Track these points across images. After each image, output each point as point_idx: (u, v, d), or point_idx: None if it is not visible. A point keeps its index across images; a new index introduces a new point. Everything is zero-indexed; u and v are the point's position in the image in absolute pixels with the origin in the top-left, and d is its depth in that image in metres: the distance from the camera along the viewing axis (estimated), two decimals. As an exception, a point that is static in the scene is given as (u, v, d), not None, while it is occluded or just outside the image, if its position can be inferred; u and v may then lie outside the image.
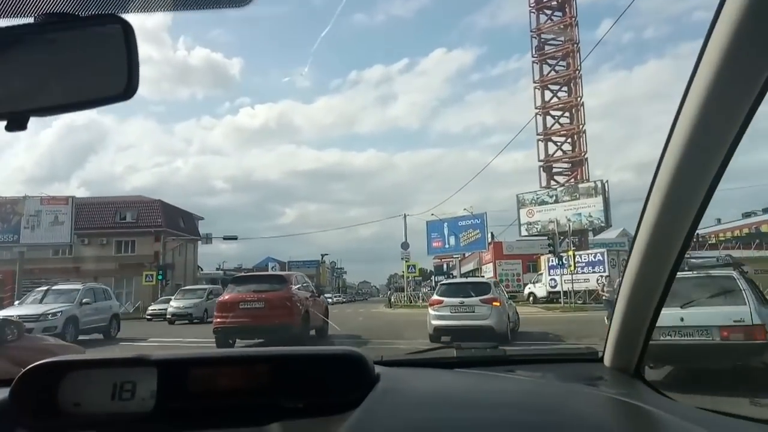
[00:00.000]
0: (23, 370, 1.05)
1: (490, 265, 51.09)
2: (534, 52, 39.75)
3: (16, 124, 0.77)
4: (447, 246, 43.93)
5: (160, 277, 39.89)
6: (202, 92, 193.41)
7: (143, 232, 45.62)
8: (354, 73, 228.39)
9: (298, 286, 13.09)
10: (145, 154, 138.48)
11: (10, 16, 0.77)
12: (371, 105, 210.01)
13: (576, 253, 28.62)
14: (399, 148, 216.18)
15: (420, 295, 40.06)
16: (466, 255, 63.83)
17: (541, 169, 40.10)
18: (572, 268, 27.54)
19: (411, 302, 39.14)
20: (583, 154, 38.78)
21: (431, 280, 79.72)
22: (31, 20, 0.76)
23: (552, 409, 1.03)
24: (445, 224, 43.84)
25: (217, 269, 71.36)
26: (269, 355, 1.16)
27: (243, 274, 19.90)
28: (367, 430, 0.88)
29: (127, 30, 0.77)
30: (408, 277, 41.06)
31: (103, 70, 0.80)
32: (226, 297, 12.51)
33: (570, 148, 39.61)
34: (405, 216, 39.63)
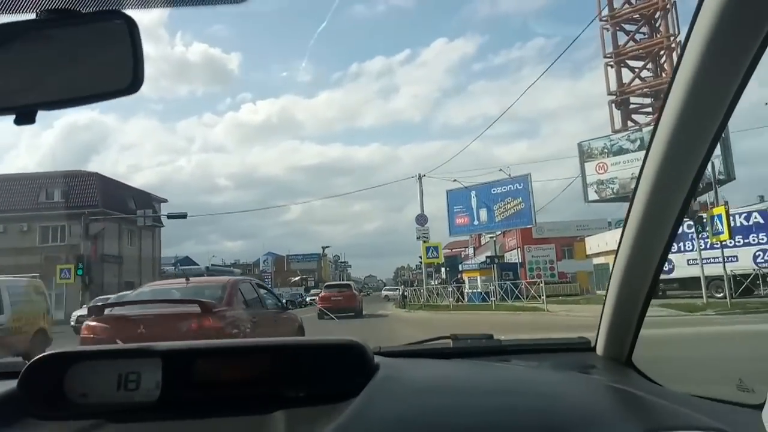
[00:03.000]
0: (30, 361, 1.05)
1: (515, 252, 39.07)
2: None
3: (25, 117, 0.78)
4: (476, 222, 31.42)
5: (79, 272, 27.66)
6: (201, 89, 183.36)
7: (75, 215, 33.07)
8: (355, 66, 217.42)
9: (356, 288, 26.43)
10: (147, 153, 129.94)
11: (12, 12, 0.77)
12: (373, 98, 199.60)
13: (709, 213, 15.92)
14: (402, 141, 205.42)
15: (450, 291, 26.76)
16: (482, 241, 51.67)
17: (613, 105, 27.46)
18: (725, 236, 14.92)
19: (432, 300, 26.58)
20: (677, 78, 26.12)
21: (441, 273, 67.99)
22: (33, 16, 0.76)
23: (546, 394, 1.04)
24: (473, 193, 31.33)
25: (207, 267, 60.23)
26: (271, 345, 1.18)
27: (330, 282, 30.62)
28: (367, 417, 0.88)
29: (131, 25, 0.78)
30: (428, 265, 28.27)
31: (109, 65, 0.81)
32: (324, 294, 24.36)
33: (652, 74, 26.89)
34: (420, 177, 26.99)
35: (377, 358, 1.11)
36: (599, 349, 1.41)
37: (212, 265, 65.19)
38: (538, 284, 22.43)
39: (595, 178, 27.54)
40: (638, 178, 1.06)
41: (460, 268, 35.62)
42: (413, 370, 1.18)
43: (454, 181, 30.80)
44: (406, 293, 29.28)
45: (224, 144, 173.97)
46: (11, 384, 1.03)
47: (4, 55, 0.78)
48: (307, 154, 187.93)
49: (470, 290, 28.63)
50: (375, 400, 0.94)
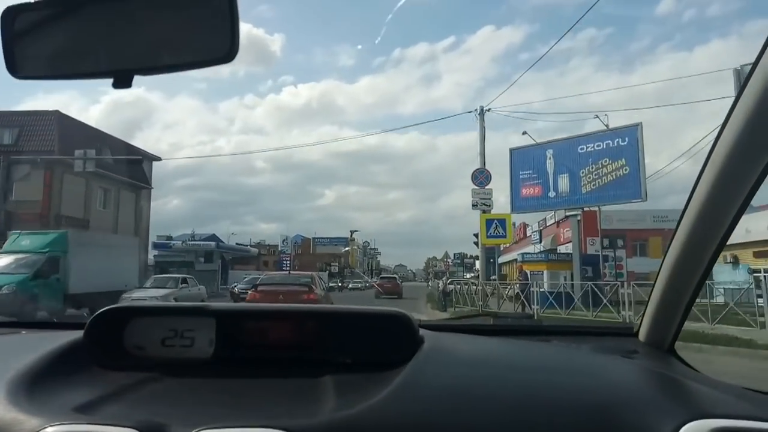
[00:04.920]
0: (95, 314, 1.09)
1: (573, 245, 29.42)
2: None
3: (122, 81, 0.78)
4: (552, 194, 21.67)
5: (-11, 233, 19.19)
6: (243, 69, 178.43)
7: (27, 162, 24.65)
8: (398, 51, 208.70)
9: (400, 279, 45.49)
10: (189, 132, 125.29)
11: None
12: (415, 85, 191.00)
13: None
14: (441, 131, 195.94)
15: (530, 292, 16.37)
16: (531, 232, 41.61)
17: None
18: None
19: (488, 304, 16.88)
20: None
21: (474, 269, 58.06)
22: None
23: (588, 373, 1.03)
24: (549, 152, 21.69)
25: (217, 244, 52.52)
26: (318, 311, 1.19)
27: (384, 275, 45.24)
28: (417, 386, 0.90)
29: None
30: (483, 246, 18.39)
31: (207, 33, 0.80)
32: (379, 281, 38.56)
33: None
34: (482, 111, 17.34)
35: (421, 331, 1.10)
36: (642, 335, 1.39)
37: (237, 243, 60.92)
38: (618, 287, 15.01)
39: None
40: (705, 162, 1.01)
41: (519, 259, 25.93)
42: (457, 343, 1.18)
43: (524, 134, 21.15)
44: (448, 289, 19.68)
45: (264, 126, 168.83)
46: (79, 334, 1.07)
47: (102, 21, 0.79)
48: (346, 139, 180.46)
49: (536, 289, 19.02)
50: (424, 369, 0.94)
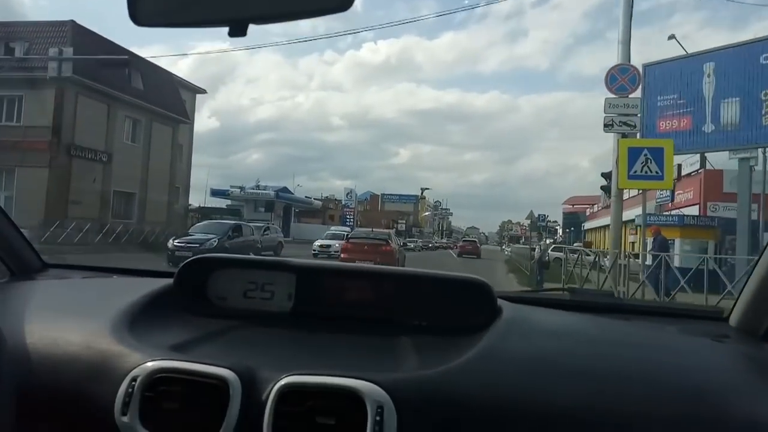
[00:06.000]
0: (182, 264, 1.14)
1: (692, 210, 22.62)
2: None
3: (238, 30, 0.77)
4: (710, 128, 14.58)
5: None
6: (323, 24, 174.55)
7: (37, 80, 20.33)
8: (482, 6, 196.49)
9: (478, 241, 48.80)
10: (270, 88, 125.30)
11: None
12: (498, 42, 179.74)
13: None
14: (523, 90, 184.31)
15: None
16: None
17: None
18: None
19: (628, 289, 10.36)
20: None
21: (556, 236, 51.00)
22: None
23: (675, 351, 0.99)
24: (708, 65, 14.51)
25: (277, 194, 49.26)
26: (398, 273, 1.20)
27: (465, 238, 50.73)
28: (499, 352, 0.89)
29: None
30: (619, 192, 11.67)
31: None
32: (461, 243, 44.23)
33: None
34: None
35: (499, 300, 1.09)
36: (733, 320, 1.28)
37: (306, 196, 60.36)
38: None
39: None
40: None
41: (637, 222, 19.06)
42: (537, 315, 1.14)
43: (671, 38, 14.34)
44: (548, 258, 13.37)
45: (342, 83, 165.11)
46: (167, 281, 1.13)
47: None
48: (423, 97, 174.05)
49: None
50: (505, 337, 0.93)
